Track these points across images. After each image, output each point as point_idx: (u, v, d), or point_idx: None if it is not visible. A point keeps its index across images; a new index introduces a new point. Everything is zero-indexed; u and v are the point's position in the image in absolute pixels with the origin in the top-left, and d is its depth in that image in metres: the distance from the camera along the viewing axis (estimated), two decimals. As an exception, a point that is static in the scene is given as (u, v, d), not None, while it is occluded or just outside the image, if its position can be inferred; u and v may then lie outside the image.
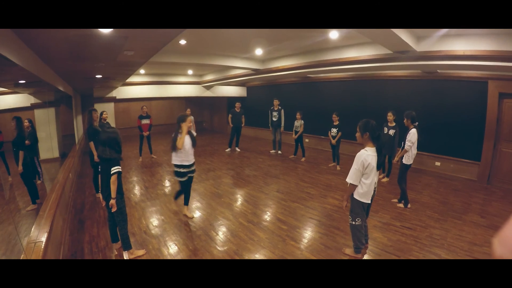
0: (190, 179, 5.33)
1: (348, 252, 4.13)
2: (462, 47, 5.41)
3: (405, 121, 5.63)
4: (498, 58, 5.28)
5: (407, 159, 5.59)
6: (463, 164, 7.88)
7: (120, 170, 3.80)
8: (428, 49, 5.72)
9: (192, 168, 5.25)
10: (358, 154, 3.64)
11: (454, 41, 5.46)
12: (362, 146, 3.75)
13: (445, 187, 7.11)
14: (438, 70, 7.88)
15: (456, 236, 4.61)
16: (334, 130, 8.72)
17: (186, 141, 4.99)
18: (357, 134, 3.76)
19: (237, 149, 11.93)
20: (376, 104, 9.56)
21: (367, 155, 3.60)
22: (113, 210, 3.79)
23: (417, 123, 5.58)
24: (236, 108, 11.49)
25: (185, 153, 5.01)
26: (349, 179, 3.72)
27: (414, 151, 5.56)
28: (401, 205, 5.86)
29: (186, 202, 5.47)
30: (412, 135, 5.45)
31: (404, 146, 5.57)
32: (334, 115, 8.78)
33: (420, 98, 8.54)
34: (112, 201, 3.76)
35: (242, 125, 11.59)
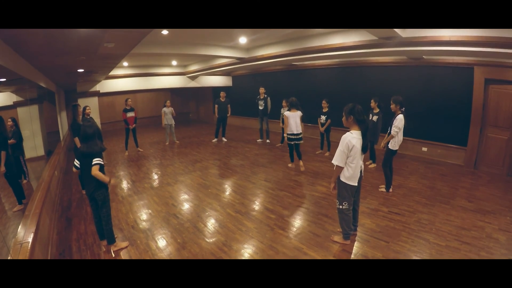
0: (297, 145, 7.41)
1: (336, 239, 4.15)
2: (448, 32, 5.41)
3: (392, 106, 5.60)
4: (484, 44, 5.29)
5: (393, 145, 5.59)
6: (450, 149, 7.96)
7: (101, 162, 3.79)
8: (414, 35, 5.71)
9: (297, 136, 7.25)
10: (343, 136, 3.71)
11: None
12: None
13: (432, 172, 7.14)
14: (424, 56, 7.89)
15: (444, 220, 4.65)
16: (323, 117, 8.72)
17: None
18: (343, 118, 3.84)
19: (224, 139, 11.87)
20: (363, 90, 9.54)
21: (352, 137, 3.66)
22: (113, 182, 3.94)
23: (404, 108, 5.58)
24: (221, 98, 11.39)
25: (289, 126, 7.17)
26: (335, 161, 3.77)
27: (400, 137, 5.56)
28: (383, 189, 5.93)
29: (299, 157, 7.51)
30: (399, 121, 5.44)
31: (390, 132, 5.57)
32: (324, 102, 8.77)
33: (406, 84, 8.56)
34: (112, 181, 3.89)
35: (228, 114, 11.54)
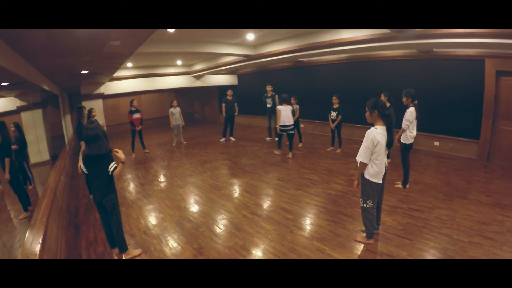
0: (289, 135, 8.46)
1: (359, 239, 4.01)
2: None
3: (404, 99, 5.52)
4: (497, 35, 5.21)
5: (405, 139, 5.51)
6: (462, 143, 7.83)
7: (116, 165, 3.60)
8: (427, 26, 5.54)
9: (288, 127, 8.31)
10: (368, 131, 3.55)
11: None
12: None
13: (446, 167, 7.03)
14: (434, 49, 7.74)
15: (464, 216, 4.54)
16: (333, 114, 8.54)
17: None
18: (366, 114, 3.69)
19: (232, 138, 11.73)
20: (372, 85, 9.38)
21: (377, 133, 3.51)
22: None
23: (416, 101, 5.48)
24: (228, 96, 11.23)
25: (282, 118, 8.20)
26: (359, 157, 3.62)
27: (413, 131, 5.47)
28: (399, 185, 5.83)
29: (290, 149, 8.68)
30: (409, 113, 5.37)
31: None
32: (334, 98, 8.58)
33: (416, 77, 8.41)
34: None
35: (236, 113, 11.39)
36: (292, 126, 8.41)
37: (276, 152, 9.04)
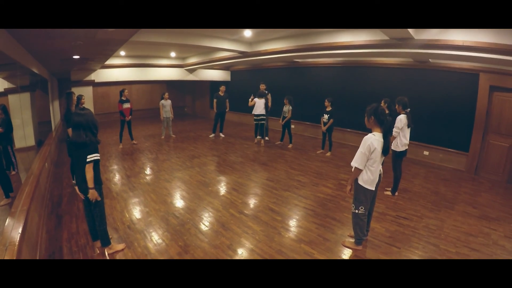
0: (261, 125, 10.04)
1: (348, 244, 3.99)
2: (461, 37, 5.29)
3: (396, 107, 5.57)
4: (495, 51, 5.20)
5: (395, 146, 5.54)
6: (452, 154, 7.90)
7: (98, 157, 3.43)
8: (428, 37, 5.55)
9: (260, 117, 9.83)
10: (365, 137, 3.52)
11: (454, 31, 5.31)
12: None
13: (434, 177, 7.12)
14: (430, 60, 7.77)
15: (451, 226, 4.59)
16: (326, 116, 8.52)
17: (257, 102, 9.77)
18: (365, 119, 3.67)
19: (221, 135, 11.66)
20: (365, 91, 9.45)
21: (374, 139, 3.48)
22: (94, 200, 3.45)
23: (408, 109, 5.50)
24: (220, 92, 11.15)
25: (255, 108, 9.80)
26: (354, 163, 3.58)
27: (403, 138, 5.49)
28: (389, 192, 5.84)
29: (262, 136, 10.29)
30: (399, 121, 5.40)
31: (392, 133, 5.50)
32: (326, 101, 8.56)
33: (410, 86, 8.44)
34: (92, 191, 3.39)
35: (227, 109, 11.31)
36: (264, 117, 9.82)
37: (261, 141, 10.26)
